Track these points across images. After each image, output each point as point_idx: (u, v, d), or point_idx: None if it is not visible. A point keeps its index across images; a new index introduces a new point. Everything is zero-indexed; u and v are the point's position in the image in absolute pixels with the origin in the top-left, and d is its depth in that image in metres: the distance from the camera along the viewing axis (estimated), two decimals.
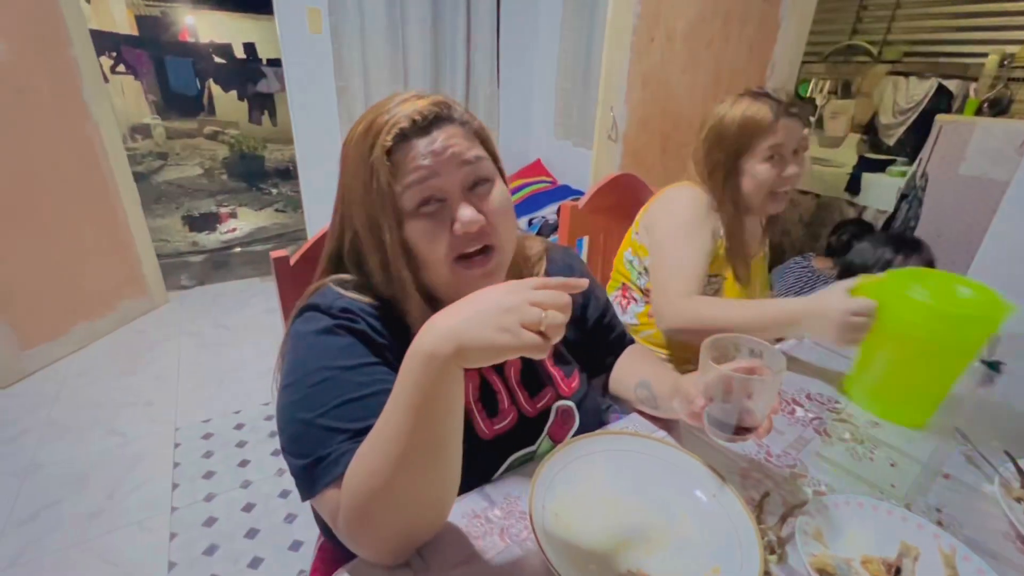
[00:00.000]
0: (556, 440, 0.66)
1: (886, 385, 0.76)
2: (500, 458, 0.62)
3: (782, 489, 0.61)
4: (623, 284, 1.14)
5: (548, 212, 2.76)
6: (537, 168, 3.15)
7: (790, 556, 0.52)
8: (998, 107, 2.30)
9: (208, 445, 1.63)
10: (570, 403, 0.69)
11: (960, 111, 2.46)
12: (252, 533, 1.33)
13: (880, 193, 2.56)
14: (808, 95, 3.15)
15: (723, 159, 0.98)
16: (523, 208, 2.84)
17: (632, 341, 0.82)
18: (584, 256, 1.34)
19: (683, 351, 1.08)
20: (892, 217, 2.46)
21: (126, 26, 5.18)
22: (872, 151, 2.82)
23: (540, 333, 0.39)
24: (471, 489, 0.58)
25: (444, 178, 0.52)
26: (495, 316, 0.39)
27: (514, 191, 3.00)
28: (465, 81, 2.87)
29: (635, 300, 1.12)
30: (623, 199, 1.29)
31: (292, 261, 0.80)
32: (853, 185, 2.68)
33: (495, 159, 0.58)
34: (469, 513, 0.55)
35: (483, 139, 0.57)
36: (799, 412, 0.75)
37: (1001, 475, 0.62)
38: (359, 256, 0.58)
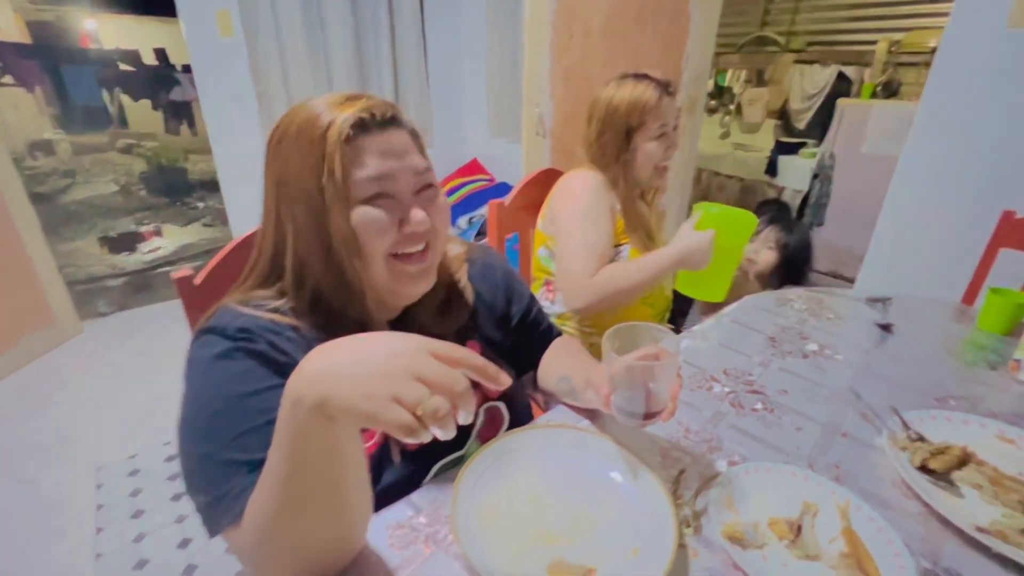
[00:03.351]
0: (485, 442, 0.66)
1: (697, 274, 0.99)
2: (427, 467, 0.61)
3: (699, 464, 0.63)
4: (545, 280, 1.16)
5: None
6: (474, 167, 3.14)
7: (705, 527, 0.54)
8: (889, 90, 2.52)
9: (135, 482, 1.51)
10: (498, 404, 0.69)
11: (858, 95, 2.67)
12: (190, 570, 1.25)
13: (795, 174, 2.74)
14: (727, 84, 3.32)
15: (615, 139, 1.04)
16: (462, 207, 2.83)
17: (559, 334, 0.83)
18: (518, 252, 1.35)
19: (605, 325, 1.12)
20: (807, 196, 2.64)
21: (15, 33, 4.71)
22: (786, 135, 3.01)
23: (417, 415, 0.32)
24: (397, 500, 0.57)
25: (400, 181, 0.54)
26: (368, 376, 0.33)
27: (452, 191, 2.98)
28: (393, 81, 2.81)
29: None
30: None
31: (197, 281, 0.75)
32: (771, 168, 2.85)
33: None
34: (393, 524, 0.54)
35: (423, 148, 0.59)
36: (716, 388, 0.79)
37: (889, 428, 0.68)
38: (297, 258, 0.55)
